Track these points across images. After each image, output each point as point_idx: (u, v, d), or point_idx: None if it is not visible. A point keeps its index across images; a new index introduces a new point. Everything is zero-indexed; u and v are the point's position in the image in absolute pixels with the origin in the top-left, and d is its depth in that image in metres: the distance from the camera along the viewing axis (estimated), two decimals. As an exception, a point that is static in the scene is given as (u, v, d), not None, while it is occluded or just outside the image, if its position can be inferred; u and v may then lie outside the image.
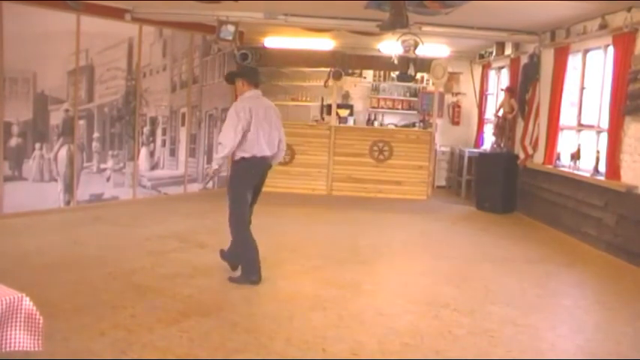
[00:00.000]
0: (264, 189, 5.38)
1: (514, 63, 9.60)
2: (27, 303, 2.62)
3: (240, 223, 5.11)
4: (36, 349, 2.64)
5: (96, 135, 8.12)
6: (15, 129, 7.22)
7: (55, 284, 4.79)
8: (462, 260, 6.31)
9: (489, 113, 10.93)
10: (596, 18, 7.13)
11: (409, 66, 9.66)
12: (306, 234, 7.17)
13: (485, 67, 11.12)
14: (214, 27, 8.49)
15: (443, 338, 4.10)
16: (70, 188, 7.84)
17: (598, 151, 7.14)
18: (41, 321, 2.65)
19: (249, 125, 4.95)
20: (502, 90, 9.83)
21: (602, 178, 6.89)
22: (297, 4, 7.83)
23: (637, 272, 6.05)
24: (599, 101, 7.32)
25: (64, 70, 7.64)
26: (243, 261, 5.14)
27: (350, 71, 10.76)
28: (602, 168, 6.97)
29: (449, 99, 12.06)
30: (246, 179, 5.08)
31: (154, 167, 8.98)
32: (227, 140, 4.94)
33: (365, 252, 6.46)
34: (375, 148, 10.09)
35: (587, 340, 4.27)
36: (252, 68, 5.35)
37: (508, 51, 9.75)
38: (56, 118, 7.63)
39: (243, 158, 5.05)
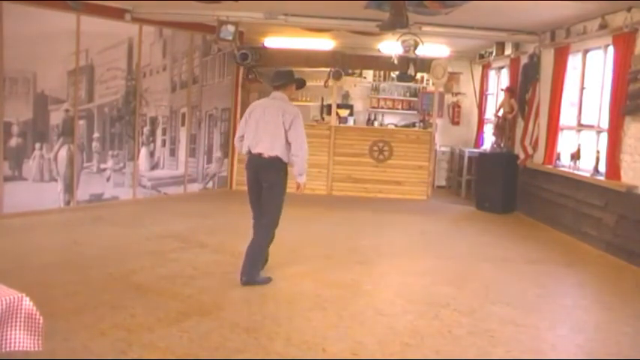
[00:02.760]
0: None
1: (514, 63, 9.59)
2: (27, 303, 2.62)
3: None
4: (36, 349, 2.63)
5: (96, 135, 8.12)
6: (15, 129, 7.22)
7: (55, 284, 4.79)
8: (462, 260, 6.32)
9: (489, 113, 10.92)
10: (596, 18, 7.13)
11: (409, 66, 9.65)
12: (306, 234, 7.16)
13: (485, 67, 11.11)
14: (214, 27, 8.50)
15: (443, 338, 4.10)
16: (70, 188, 7.84)
17: (598, 151, 7.14)
18: (41, 321, 2.65)
19: (246, 124, 5.28)
20: (502, 90, 9.83)
21: (602, 178, 6.89)
22: (297, 4, 7.84)
23: (637, 272, 6.05)
24: (599, 101, 7.31)
25: (64, 70, 7.64)
26: None
27: (350, 71, 10.73)
28: (602, 168, 6.97)
29: (449, 99, 12.06)
30: (246, 175, 5.26)
31: (154, 167, 8.98)
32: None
33: (365, 252, 6.45)
34: (375, 148, 10.09)
35: (587, 340, 4.27)
36: (276, 71, 5.48)
37: (508, 51, 9.75)
38: (56, 118, 7.63)
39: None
